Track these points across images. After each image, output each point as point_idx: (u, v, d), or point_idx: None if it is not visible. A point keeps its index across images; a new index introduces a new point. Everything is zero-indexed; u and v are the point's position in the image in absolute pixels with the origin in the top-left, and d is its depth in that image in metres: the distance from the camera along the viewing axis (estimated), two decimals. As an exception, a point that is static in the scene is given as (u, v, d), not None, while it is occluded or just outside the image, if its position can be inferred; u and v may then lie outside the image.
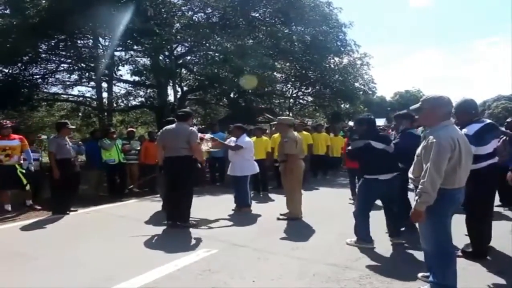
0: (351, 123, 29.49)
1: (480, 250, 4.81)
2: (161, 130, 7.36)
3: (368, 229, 5.45)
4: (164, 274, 4.58)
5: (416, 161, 3.73)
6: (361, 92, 22.04)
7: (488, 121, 4.78)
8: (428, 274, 3.81)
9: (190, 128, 6.94)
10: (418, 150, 3.69)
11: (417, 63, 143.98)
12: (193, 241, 6.01)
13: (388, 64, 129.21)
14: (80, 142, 11.06)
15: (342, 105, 24.10)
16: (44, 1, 12.33)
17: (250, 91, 18.14)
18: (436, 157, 3.45)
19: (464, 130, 4.39)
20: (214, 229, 6.76)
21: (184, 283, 4.35)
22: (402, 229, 5.71)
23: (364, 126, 5.54)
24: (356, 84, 21.50)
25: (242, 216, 7.67)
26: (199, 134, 7.33)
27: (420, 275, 4.13)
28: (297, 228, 6.49)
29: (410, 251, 5.22)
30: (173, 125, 7.06)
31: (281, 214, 7.29)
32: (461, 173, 3.57)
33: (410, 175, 3.82)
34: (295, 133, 7.67)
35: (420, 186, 3.49)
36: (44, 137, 14.87)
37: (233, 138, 8.42)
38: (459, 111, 4.81)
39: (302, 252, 5.29)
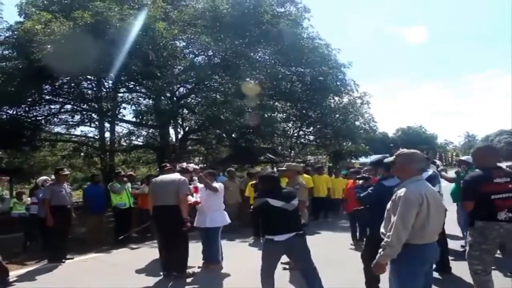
0: (357, 162, 29.66)
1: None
2: (151, 181, 7.34)
3: None
4: None
5: (386, 215, 3.72)
6: (361, 131, 22.08)
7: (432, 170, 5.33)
8: None
9: (181, 177, 6.86)
10: (388, 205, 3.70)
11: (418, 99, 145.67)
12: None
13: (389, 100, 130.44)
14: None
15: (344, 144, 24.07)
16: (49, 46, 12.55)
17: (251, 130, 18.24)
18: (403, 211, 3.48)
19: None
20: (211, 279, 6.61)
21: None
22: None
23: (267, 183, 5.29)
24: (357, 123, 21.54)
25: (239, 264, 7.39)
26: (194, 186, 7.30)
27: None
28: (299, 277, 6.29)
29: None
30: (165, 175, 7.09)
31: (282, 263, 6.66)
32: (431, 228, 3.56)
33: (381, 229, 3.76)
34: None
35: (385, 239, 3.51)
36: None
37: (201, 185, 7.49)
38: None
39: None
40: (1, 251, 6.88)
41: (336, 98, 20.69)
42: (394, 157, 3.93)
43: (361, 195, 5.47)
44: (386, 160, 4.06)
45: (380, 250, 3.56)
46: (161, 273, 6.81)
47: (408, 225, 3.47)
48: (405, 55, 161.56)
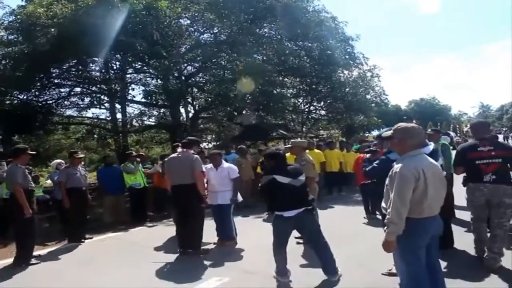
0: (370, 135, 29.50)
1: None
2: (166, 159, 7.44)
3: (284, 264, 5.24)
4: None
5: (385, 191, 3.73)
6: (373, 104, 21.90)
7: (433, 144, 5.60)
8: None
9: (195, 156, 6.96)
10: (387, 181, 3.71)
11: (431, 71, 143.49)
12: (205, 269, 6.02)
13: (401, 72, 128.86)
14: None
15: (356, 118, 23.92)
16: (53, 29, 12.55)
17: (261, 107, 18.19)
18: (399, 187, 3.50)
19: None
20: (226, 255, 6.71)
21: None
22: None
23: (272, 161, 5.35)
24: (368, 96, 21.35)
25: (254, 239, 7.46)
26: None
27: None
28: (311, 251, 6.25)
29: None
30: (178, 153, 7.12)
31: (296, 238, 6.79)
32: (430, 202, 3.58)
33: (382, 204, 3.81)
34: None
35: (387, 217, 3.54)
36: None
37: (209, 165, 7.68)
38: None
39: (314, 278, 5.20)
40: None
41: (346, 72, 20.53)
42: (391, 131, 3.91)
43: (367, 169, 5.52)
44: (384, 135, 4.04)
45: (384, 228, 3.60)
46: (178, 250, 6.96)
47: (406, 201, 3.49)
48: (416, 27, 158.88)
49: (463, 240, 6.27)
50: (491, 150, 5.41)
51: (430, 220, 3.63)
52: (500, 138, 23.71)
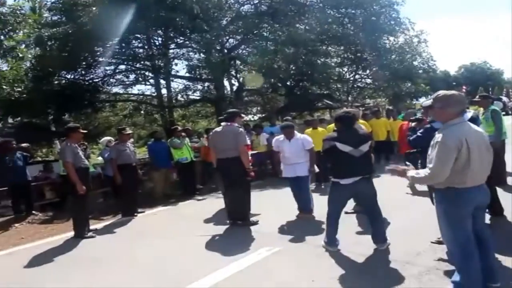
0: (418, 103, 28.71)
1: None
2: (211, 133, 7.45)
3: (334, 234, 5.29)
4: (228, 275, 4.72)
5: (428, 160, 3.61)
6: (420, 71, 21.27)
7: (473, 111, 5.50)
8: None
9: (239, 129, 6.94)
10: (429, 151, 3.59)
11: (483, 32, 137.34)
12: (255, 240, 6.09)
13: (452, 35, 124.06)
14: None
15: (403, 85, 23.30)
16: (94, 8, 12.71)
17: (305, 78, 17.94)
18: (441, 157, 3.41)
19: None
20: (275, 225, 6.75)
21: (245, 285, 4.45)
22: None
23: (338, 124, 5.34)
24: (415, 63, 20.76)
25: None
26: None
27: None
28: (360, 221, 6.32)
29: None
30: (221, 127, 7.10)
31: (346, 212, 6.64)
32: (474, 171, 3.46)
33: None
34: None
35: (424, 172, 3.54)
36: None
37: (281, 137, 7.36)
38: None
39: (362, 247, 5.20)
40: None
41: (391, 38, 20.01)
42: (431, 100, 3.75)
43: (411, 138, 5.47)
44: (424, 104, 3.91)
45: (418, 172, 3.65)
46: (227, 222, 7.08)
47: (447, 169, 3.41)
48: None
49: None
50: None
51: (474, 189, 3.53)
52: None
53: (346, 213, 6.66)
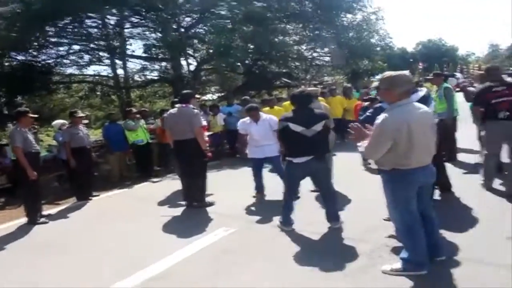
0: (375, 80, 28.96)
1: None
2: (165, 114, 7.36)
3: (289, 213, 5.42)
4: (184, 257, 4.75)
5: None
6: (378, 48, 21.51)
7: (425, 89, 5.61)
8: None
9: (194, 110, 6.86)
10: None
11: (439, 8, 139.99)
12: (211, 221, 6.14)
13: (410, 12, 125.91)
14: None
15: (360, 63, 23.52)
16: (42, -15, 12.19)
17: (263, 56, 17.87)
18: (375, 139, 3.56)
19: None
20: (232, 206, 6.79)
21: (202, 266, 4.49)
22: None
23: (293, 103, 5.43)
24: (372, 40, 20.99)
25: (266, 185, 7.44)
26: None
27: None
28: (317, 201, 6.36)
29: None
30: (176, 109, 7.02)
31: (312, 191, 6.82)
32: (418, 153, 3.55)
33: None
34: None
35: (363, 147, 3.77)
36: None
37: (247, 120, 7.19)
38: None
39: (317, 226, 5.30)
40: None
41: (349, 16, 19.97)
42: (378, 81, 3.87)
43: (361, 117, 5.55)
44: (372, 85, 3.99)
45: (361, 145, 3.85)
46: (183, 204, 7.11)
47: (379, 151, 3.56)
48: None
49: (461, 184, 6.43)
50: (504, 89, 5.96)
51: (419, 170, 3.64)
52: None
53: (312, 191, 6.80)
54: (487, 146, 6.30)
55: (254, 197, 7.19)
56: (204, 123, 7.15)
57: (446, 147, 7.53)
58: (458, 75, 33.73)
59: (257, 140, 7.08)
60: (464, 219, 5.12)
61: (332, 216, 5.30)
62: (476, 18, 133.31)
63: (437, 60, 55.15)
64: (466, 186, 6.36)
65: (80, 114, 9.23)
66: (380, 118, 3.52)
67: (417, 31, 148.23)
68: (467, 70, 46.83)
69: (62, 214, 7.65)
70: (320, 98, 11.64)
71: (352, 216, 5.56)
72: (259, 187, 7.30)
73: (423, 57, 61.75)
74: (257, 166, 7.25)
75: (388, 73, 3.75)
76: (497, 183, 6.33)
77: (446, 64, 53.94)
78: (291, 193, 5.49)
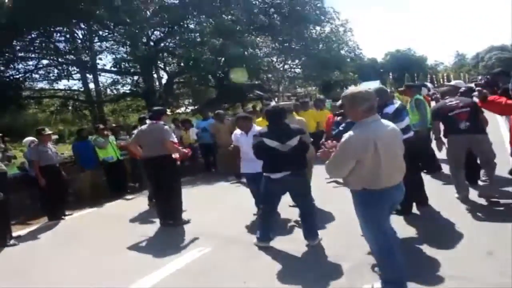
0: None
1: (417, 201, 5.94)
2: (136, 131, 7.27)
3: (267, 230, 5.31)
4: (156, 281, 4.62)
5: None
6: (348, 60, 21.86)
7: (399, 102, 5.72)
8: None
9: (164, 126, 6.82)
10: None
11: (407, 21, 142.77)
12: (186, 241, 5.99)
13: (377, 24, 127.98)
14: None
15: (332, 74, 23.82)
16: (7, 1, 12.06)
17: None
18: (339, 157, 3.49)
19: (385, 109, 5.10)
20: (208, 224, 6.68)
21: None
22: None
23: (268, 119, 5.30)
24: (342, 52, 21.31)
25: (238, 207, 7.38)
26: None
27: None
28: (298, 216, 5.99)
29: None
30: (147, 126, 7.00)
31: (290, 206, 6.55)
32: (388, 172, 3.47)
33: None
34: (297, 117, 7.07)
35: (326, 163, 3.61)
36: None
37: (238, 132, 6.69)
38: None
39: (297, 244, 5.22)
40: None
41: (318, 28, 20.34)
42: (341, 99, 3.77)
43: (334, 132, 5.55)
44: (338, 103, 3.99)
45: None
46: (158, 222, 6.95)
47: (341, 170, 3.53)
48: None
49: (439, 196, 6.44)
50: (458, 101, 6.16)
51: (389, 190, 3.54)
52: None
53: (291, 206, 6.48)
54: (451, 159, 6.26)
55: (254, 214, 6.66)
56: (175, 139, 7.05)
57: (424, 159, 7.59)
58: (429, 85, 34.36)
59: (247, 153, 6.46)
60: (444, 233, 5.06)
61: (310, 233, 5.19)
62: (444, 28, 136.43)
63: (406, 70, 56.12)
64: (444, 199, 6.33)
65: (48, 131, 8.91)
66: (345, 135, 3.42)
67: (385, 42, 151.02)
68: (436, 80, 47.70)
69: (32, 235, 7.34)
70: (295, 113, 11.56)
71: (332, 232, 5.49)
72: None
73: (393, 67, 62.81)
74: (250, 182, 6.72)
75: (349, 91, 3.69)
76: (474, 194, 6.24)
77: (416, 74, 54.90)
78: (269, 209, 5.31)
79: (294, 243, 5.29)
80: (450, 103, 6.19)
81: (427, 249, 4.57)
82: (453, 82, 8.77)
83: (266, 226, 5.32)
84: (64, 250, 6.36)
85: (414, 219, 5.51)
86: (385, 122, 3.59)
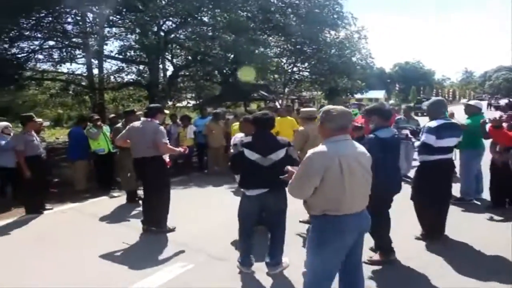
0: (353, 98, 28.90)
1: (431, 234, 5.57)
2: (128, 127, 6.74)
3: (247, 253, 4.80)
4: None
5: None
6: (358, 67, 21.47)
7: (453, 120, 5.70)
8: None
9: (159, 126, 6.37)
10: None
11: (418, 34, 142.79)
12: (168, 253, 5.56)
13: (391, 33, 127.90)
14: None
15: (339, 80, 23.45)
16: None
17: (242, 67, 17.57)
18: (300, 175, 3.23)
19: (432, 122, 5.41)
20: (194, 233, 6.25)
21: None
22: None
23: (252, 126, 4.85)
24: (354, 59, 20.89)
25: (229, 215, 6.75)
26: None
27: None
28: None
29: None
30: (140, 123, 6.52)
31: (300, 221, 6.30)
32: (350, 197, 3.20)
33: None
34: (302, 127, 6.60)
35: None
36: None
37: (240, 135, 6.01)
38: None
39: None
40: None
41: (333, 32, 19.88)
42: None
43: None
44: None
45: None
46: (141, 227, 6.49)
47: (302, 189, 3.24)
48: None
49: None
50: None
51: (351, 217, 3.26)
52: (484, 104, 23.67)
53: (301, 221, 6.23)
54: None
55: None
56: (167, 141, 6.45)
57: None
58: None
59: None
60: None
61: (273, 260, 4.73)
62: (455, 44, 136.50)
63: (414, 82, 56.01)
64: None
65: (38, 120, 8.43)
66: (308, 152, 3.23)
67: (395, 52, 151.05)
68: (442, 94, 47.62)
69: (4, 231, 6.77)
70: (289, 118, 10.88)
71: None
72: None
73: (400, 78, 62.71)
74: None
75: (326, 107, 3.49)
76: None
77: (422, 87, 54.82)
78: (246, 230, 4.81)
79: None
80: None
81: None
82: (472, 102, 8.39)
83: (245, 248, 4.83)
84: (33, 252, 5.82)
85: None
86: (355, 143, 3.41)
